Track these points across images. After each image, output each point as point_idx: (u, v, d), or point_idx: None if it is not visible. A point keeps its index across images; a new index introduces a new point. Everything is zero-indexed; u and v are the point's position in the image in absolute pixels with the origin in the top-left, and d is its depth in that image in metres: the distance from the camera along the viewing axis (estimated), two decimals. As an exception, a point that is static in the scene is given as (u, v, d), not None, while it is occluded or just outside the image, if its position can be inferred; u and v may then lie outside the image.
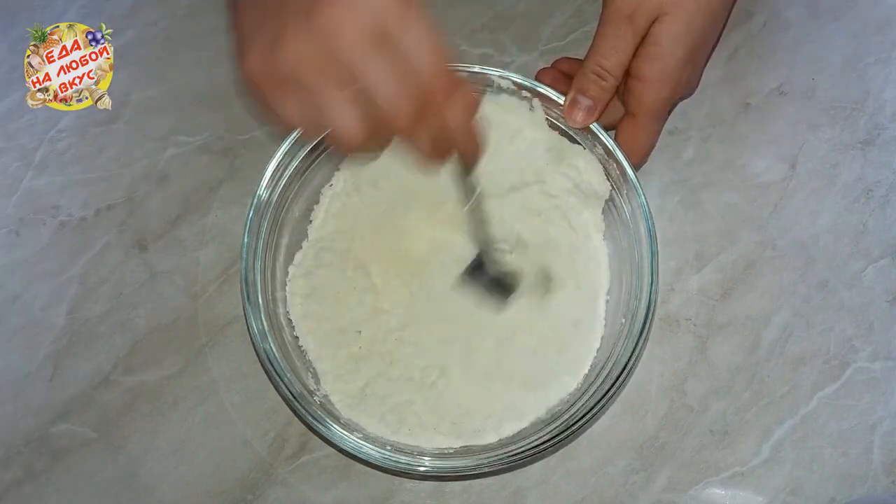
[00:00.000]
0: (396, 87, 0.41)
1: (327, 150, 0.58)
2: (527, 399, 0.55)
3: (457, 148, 0.46)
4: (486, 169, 0.57)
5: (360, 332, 0.56)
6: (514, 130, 0.58)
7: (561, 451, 0.57)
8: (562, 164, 0.57)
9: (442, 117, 0.43)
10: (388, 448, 0.52)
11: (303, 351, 0.56)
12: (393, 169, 0.58)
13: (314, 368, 0.56)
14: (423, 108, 0.42)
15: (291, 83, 0.42)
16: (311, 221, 0.58)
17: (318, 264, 0.57)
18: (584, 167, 0.57)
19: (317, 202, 0.59)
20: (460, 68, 0.56)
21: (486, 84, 0.57)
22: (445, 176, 0.55)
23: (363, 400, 0.55)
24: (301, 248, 0.58)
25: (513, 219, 0.58)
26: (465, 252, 0.57)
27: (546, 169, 0.58)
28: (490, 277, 0.56)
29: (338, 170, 0.59)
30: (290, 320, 0.56)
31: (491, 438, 0.54)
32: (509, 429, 0.54)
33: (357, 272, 0.57)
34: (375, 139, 0.43)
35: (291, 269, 0.57)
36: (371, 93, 0.41)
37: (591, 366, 0.55)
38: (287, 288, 0.57)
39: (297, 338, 0.56)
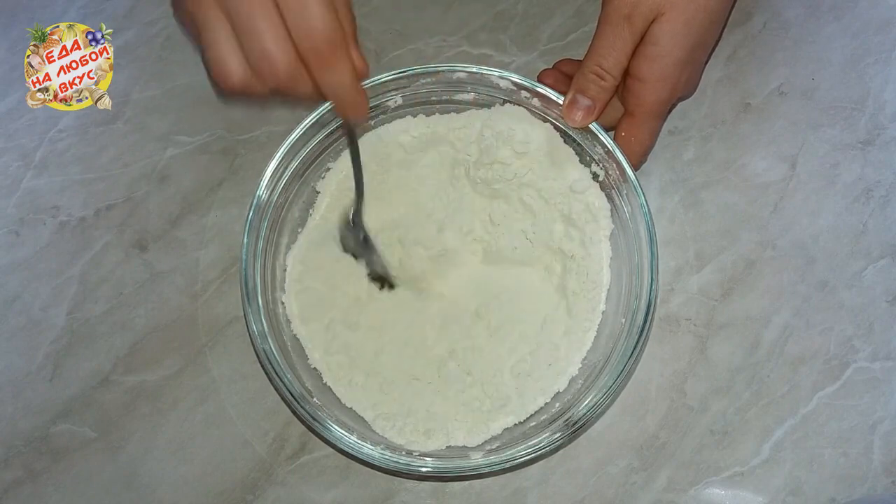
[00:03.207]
0: (273, 44, 0.43)
1: (327, 151, 0.58)
2: (527, 399, 0.55)
3: (338, 108, 0.48)
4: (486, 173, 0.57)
5: (355, 323, 0.57)
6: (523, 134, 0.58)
7: (561, 451, 0.57)
8: (559, 178, 0.57)
9: (324, 76, 0.45)
10: (388, 448, 0.52)
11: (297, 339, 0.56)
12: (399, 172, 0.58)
13: (307, 353, 0.56)
14: (307, 62, 0.44)
15: (195, 18, 0.45)
16: (310, 213, 0.59)
17: (315, 252, 0.58)
18: (586, 189, 0.57)
19: (315, 202, 0.59)
20: (459, 69, 0.56)
21: (486, 85, 0.57)
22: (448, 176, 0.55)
23: (357, 389, 0.55)
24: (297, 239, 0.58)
25: (515, 222, 0.58)
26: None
27: (546, 181, 0.58)
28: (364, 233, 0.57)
29: (328, 169, 0.59)
30: (289, 320, 0.56)
31: (492, 437, 0.54)
32: (510, 429, 0.54)
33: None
34: (260, 83, 0.45)
35: (290, 257, 0.58)
36: (257, 41, 0.43)
37: (590, 365, 0.55)
38: (286, 272, 0.57)
39: (296, 337, 0.56)
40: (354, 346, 0.56)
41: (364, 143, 0.58)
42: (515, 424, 0.55)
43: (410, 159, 0.59)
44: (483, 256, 0.58)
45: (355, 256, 0.57)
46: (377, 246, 0.57)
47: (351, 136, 0.52)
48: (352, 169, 0.53)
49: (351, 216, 0.56)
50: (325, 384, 0.55)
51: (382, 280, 0.58)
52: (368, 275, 0.58)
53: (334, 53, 0.44)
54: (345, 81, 0.46)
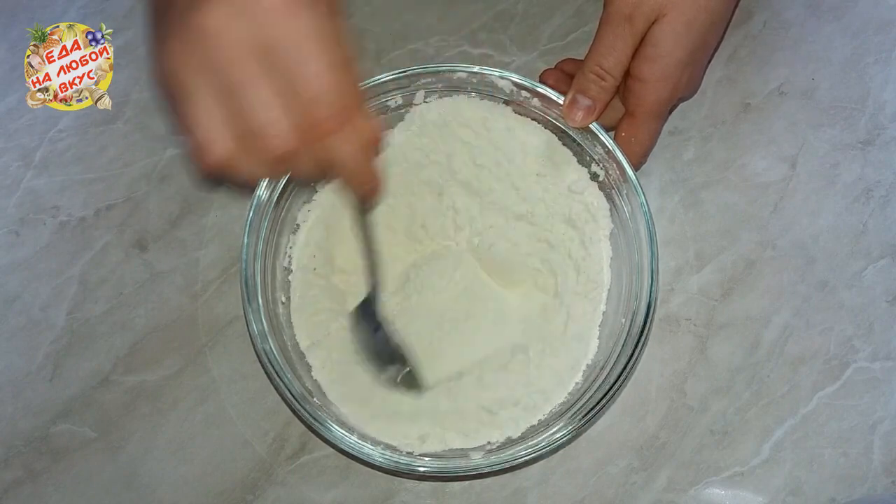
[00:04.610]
0: (277, 111, 0.36)
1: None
2: (526, 400, 0.55)
3: (348, 182, 0.41)
4: (486, 185, 0.57)
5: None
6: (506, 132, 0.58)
7: (561, 451, 0.57)
8: (557, 179, 0.57)
9: (329, 148, 0.38)
10: (388, 448, 0.52)
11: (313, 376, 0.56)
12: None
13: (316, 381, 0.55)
14: (308, 135, 0.37)
15: (172, 85, 0.38)
16: (310, 213, 0.58)
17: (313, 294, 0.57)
18: (585, 189, 0.57)
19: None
20: (459, 69, 0.56)
21: (486, 85, 0.57)
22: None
23: (362, 403, 0.55)
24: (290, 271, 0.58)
25: (517, 234, 0.58)
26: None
27: (545, 185, 0.58)
28: (378, 323, 0.54)
29: (313, 199, 0.58)
30: (289, 320, 0.56)
31: (491, 439, 0.54)
32: (510, 430, 0.54)
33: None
34: (250, 160, 0.38)
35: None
36: (247, 112, 0.36)
37: (591, 366, 0.55)
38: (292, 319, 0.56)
39: (296, 337, 0.56)
40: (345, 351, 0.56)
41: None
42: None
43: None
44: (481, 265, 0.58)
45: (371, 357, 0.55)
46: (394, 337, 0.54)
47: (362, 214, 0.47)
48: (362, 247, 0.50)
49: (362, 307, 0.54)
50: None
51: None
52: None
53: (348, 119, 0.37)
54: (354, 151, 0.39)
